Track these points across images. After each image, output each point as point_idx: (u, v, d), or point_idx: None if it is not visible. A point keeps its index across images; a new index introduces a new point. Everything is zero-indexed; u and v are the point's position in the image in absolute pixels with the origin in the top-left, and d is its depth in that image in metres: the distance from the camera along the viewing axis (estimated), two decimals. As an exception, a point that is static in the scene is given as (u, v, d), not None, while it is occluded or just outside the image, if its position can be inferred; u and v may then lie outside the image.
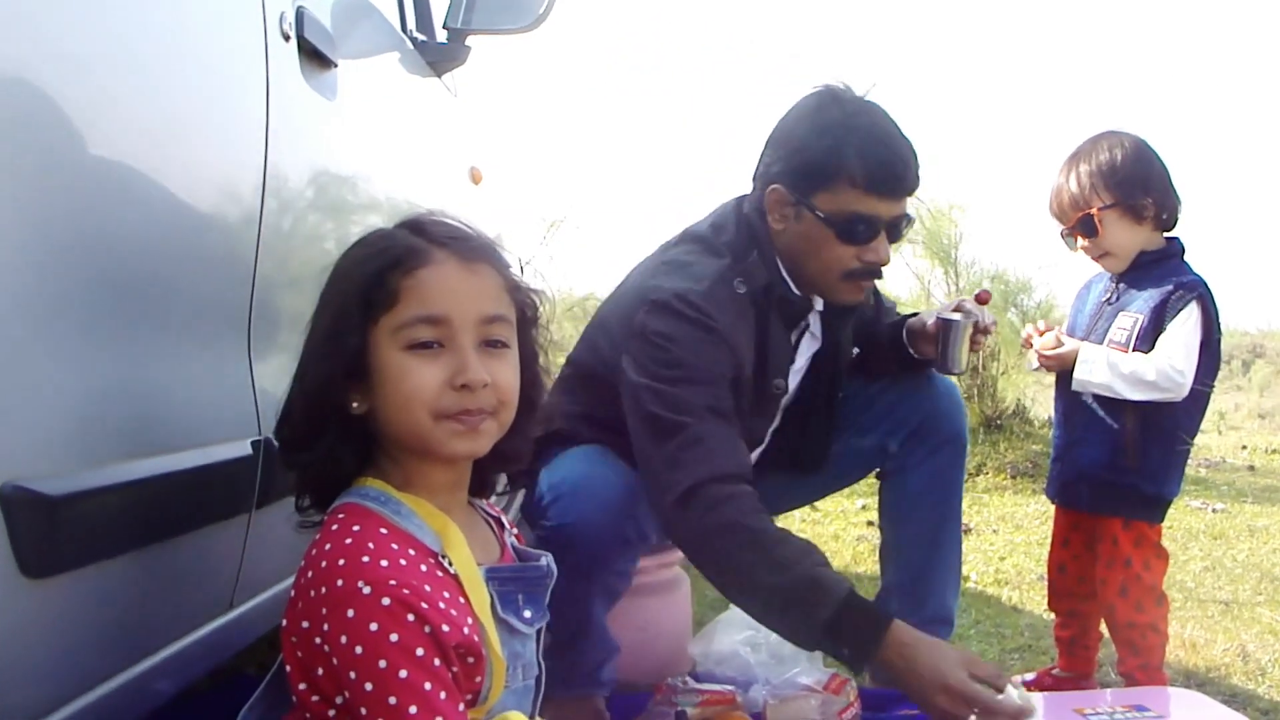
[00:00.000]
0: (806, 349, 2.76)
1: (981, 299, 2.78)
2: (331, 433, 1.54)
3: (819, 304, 2.70)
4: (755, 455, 2.82)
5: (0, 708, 1.32)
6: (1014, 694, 2.12)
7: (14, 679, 1.35)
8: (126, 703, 1.60)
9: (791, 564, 2.24)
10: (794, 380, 2.77)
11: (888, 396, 2.87)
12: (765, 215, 2.59)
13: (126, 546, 1.51)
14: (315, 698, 1.46)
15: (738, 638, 2.72)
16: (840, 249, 2.50)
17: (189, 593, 1.78)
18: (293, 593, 1.48)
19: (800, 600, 2.22)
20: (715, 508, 2.29)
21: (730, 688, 2.61)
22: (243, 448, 1.82)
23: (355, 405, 1.53)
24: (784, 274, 2.60)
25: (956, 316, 2.67)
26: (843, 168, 2.46)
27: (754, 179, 2.65)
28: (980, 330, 2.70)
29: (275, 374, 1.95)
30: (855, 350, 2.89)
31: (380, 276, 1.51)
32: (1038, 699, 2.31)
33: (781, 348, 2.64)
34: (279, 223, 1.95)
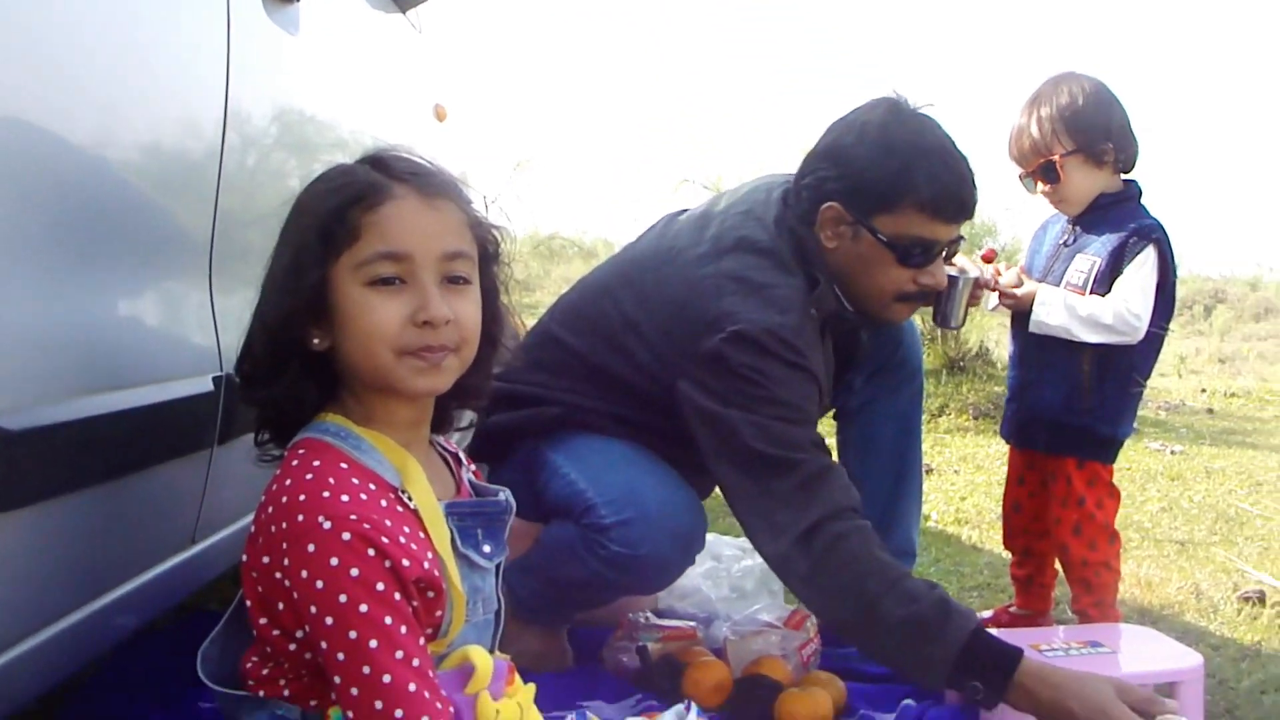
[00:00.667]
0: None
1: (987, 258, 2.81)
2: (293, 369, 1.53)
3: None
4: None
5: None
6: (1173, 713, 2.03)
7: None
8: (88, 637, 1.61)
9: (920, 595, 2.18)
10: None
11: None
12: (812, 227, 2.48)
13: (88, 481, 1.51)
14: (276, 632, 1.47)
15: (699, 571, 2.74)
16: (898, 272, 2.45)
17: (150, 529, 1.79)
18: (253, 528, 1.49)
19: (930, 632, 2.15)
20: (839, 542, 2.24)
21: (692, 623, 2.64)
22: (204, 383, 1.82)
23: (316, 342, 1.52)
24: (841, 298, 2.52)
25: (958, 272, 2.67)
26: (910, 192, 2.38)
27: (800, 187, 2.52)
28: (981, 286, 2.72)
29: (237, 309, 1.94)
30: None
31: (341, 212, 1.50)
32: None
33: (830, 366, 2.59)
34: (240, 157, 1.95)
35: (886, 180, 2.39)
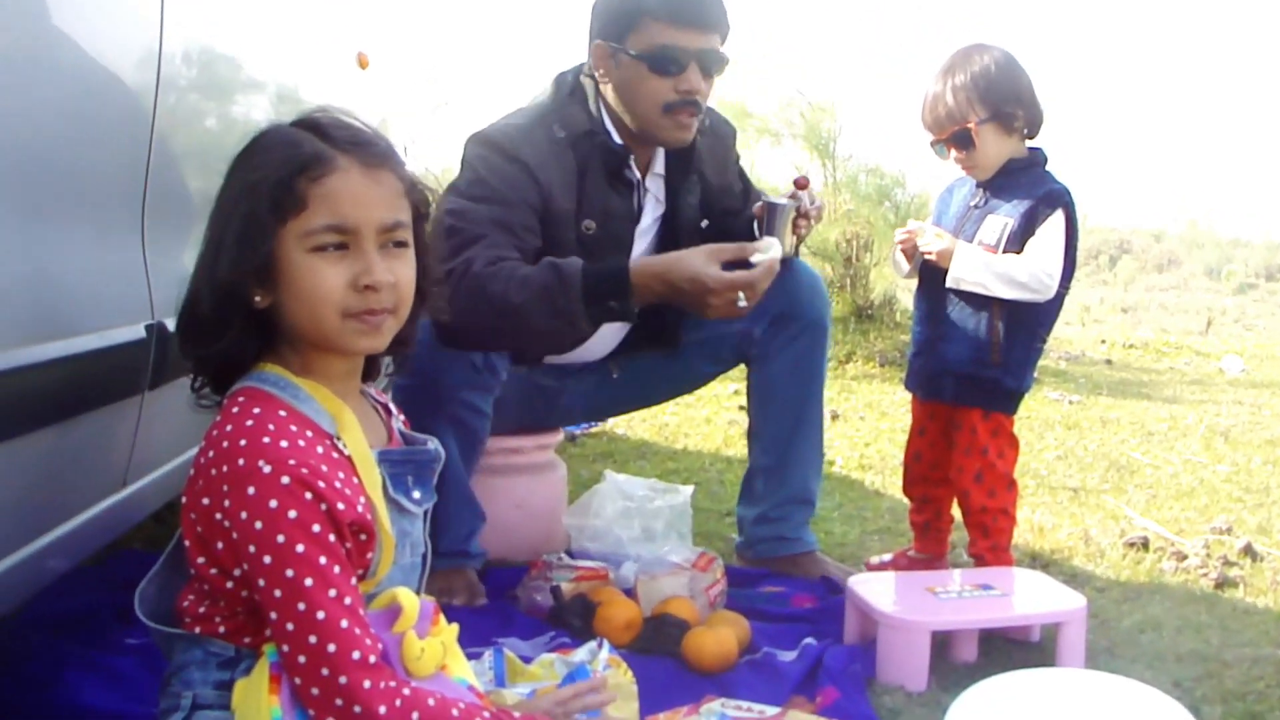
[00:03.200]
0: (651, 211, 2.93)
1: (800, 184, 2.84)
2: (236, 326, 1.59)
3: (659, 165, 2.90)
4: (620, 335, 3.00)
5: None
6: (763, 249, 2.53)
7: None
8: (21, 580, 1.66)
9: (530, 274, 2.51)
10: (642, 243, 2.92)
11: None
12: (595, 74, 2.81)
13: (25, 428, 1.55)
14: (213, 570, 1.53)
15: (611, 511, 2.81)
16: (656, 82, 2.70)
17: (83, 472, 1.82)
18: (192, 471, 1.54)
19: (553, 293, 2.48)
20: (468, 270, 2.51)
21: (603, 564, 2.72)
22: (137, 331, 1.86)
23: (258, 299, 1.58)
24: (607, 123, 2.81)
25: (781, 200, 2.76)
26: (643, 5, 2.68)
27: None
28: (802, 215, 2.80)
29: (167, 259, 1.99)
30: (705, 222, 2.99)
31: (289, 182, 1.55)
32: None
33: (599, 194, 2.80)
34: (173, 105, 1.97)
35: (623, 2, 2.72)
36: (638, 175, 2.88)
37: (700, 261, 2.49)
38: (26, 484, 1.62)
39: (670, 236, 2.93)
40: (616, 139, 2.81)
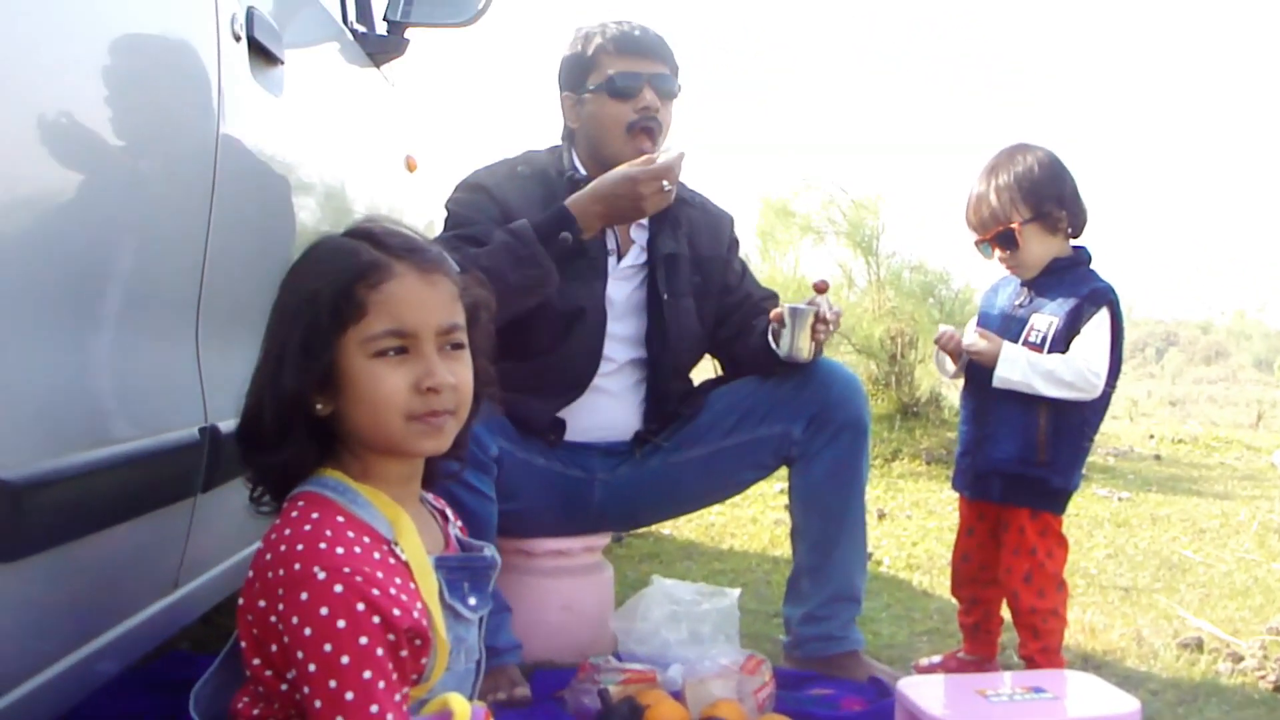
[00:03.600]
0: (634, 256, 3.06)
1: (819, 288, 2.89)
2: (297, 435, 1.62)
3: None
4: (642, 399, 3.08)
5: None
6: (669, 151, 2.85)
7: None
8: (73, 684, 1.67)
9: (491, 242, 2.72)
10: (627, 285, 3.04)
11: (786, 385, 2.98)
12: (567, 125, 3.10)
13: (82, 531, 1.57)
14: (268, 672, 1.54)
15: (659, 614, 2.80)
16: (616, 106, 2.97)
17: (136, 575, 1.85)
18: (250, 573, 1.56)
19: (511, 247, 2.70)
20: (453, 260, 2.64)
21: (651, 667, 2.69)
22: (191, 434, 1.88)
23: (320, 407, 1.61)
24: (575, 159, 3.06)
25: (800, 305, 2.81)
26: (596, 47, 2.99)
27: None
28: (820, 320, 2.84)
29: (221, 363, 2.02)
30: (697, 278, 3.10)
31: (348, 291, 1.59)
32: None
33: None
34: (227, 217, 2.00)
35: (579, 50, 3.03)
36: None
37: (622, 168, 2.80)
38: (80, 588, 1.64)
39: (655, 282, 3.02)
40: (582, 170, 3.02)
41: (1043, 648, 2.85)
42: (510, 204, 2.90)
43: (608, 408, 3.02)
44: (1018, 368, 2.81)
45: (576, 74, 3.04)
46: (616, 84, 2.96)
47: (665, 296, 3.00)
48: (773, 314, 2.89)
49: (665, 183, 2.77)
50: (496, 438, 2.73)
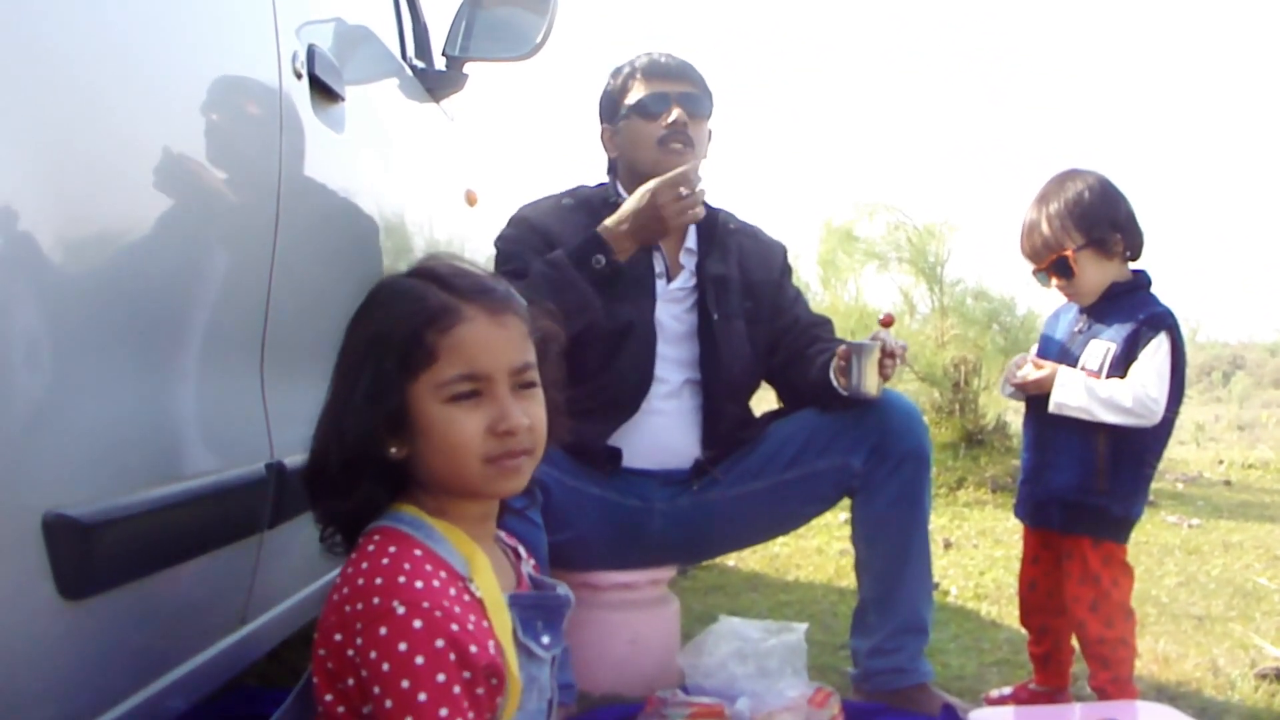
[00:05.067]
0: (684, 280, 3.10)
1: (885, 323, 2.90)
2: (367, 479, 1.62)
3: (690, 241, 3.14)
4: (699, 423, 3.07)
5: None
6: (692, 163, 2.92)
7: (48, 699, 1.42)
8: (141, 722, 1.68)
9: (530, 275, 2.78)
10: (677, 307, 3.07)
11: (845, 416, 2.96)
12: (609, 158, 3.22)
13: (150, 568, 1.58)
14: (340, 708, 1.54)
15: (725, 650, 2.79)
16: (646, 126, 3.08)
17: (203, 612, 1.85)
18: (325, 607, 1.56)
19: (549, 277, 2.78)
20: None
21: (718, 700, 2.68)
22: (257, 470, 1.90)
23: (394, 451, 1.61)
24: (619, 188, 3.14)
25: (865, 341, 2.79)
26: (627, 76, 3.14)
27: None
28: (887, 354, 2.82)
29: (286, 399, 2.03)
30: (748, 303, 3.13)
31: (418, 336, 1.59)
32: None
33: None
34: (291, 254, 2.02)
35: (613, 83, 3.18)
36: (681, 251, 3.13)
37: (648, 187, 2.85)
38: (148, 625, 1.64)
39: (705, 304, 3.06)
40: (624, 195, 3.04)
41: (1113, 678, 2.80)
42: (553, 234, 2.98)
43: (664, 429, 3.02)
44: (1074, 393, 2.78)
45: (611, 106, 3.18)
46: (645, 104, 3.08)
47: (715, 317, 3.02)
48: (840, 350, 2.87)
49: (683, 190, 2.83)
50: (541, 465, 2.73)
